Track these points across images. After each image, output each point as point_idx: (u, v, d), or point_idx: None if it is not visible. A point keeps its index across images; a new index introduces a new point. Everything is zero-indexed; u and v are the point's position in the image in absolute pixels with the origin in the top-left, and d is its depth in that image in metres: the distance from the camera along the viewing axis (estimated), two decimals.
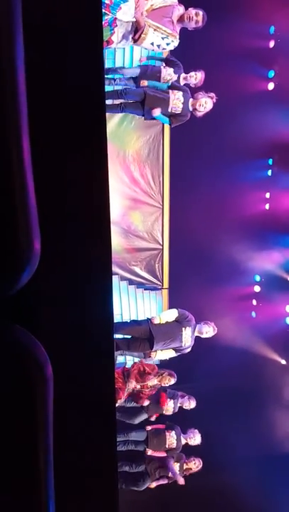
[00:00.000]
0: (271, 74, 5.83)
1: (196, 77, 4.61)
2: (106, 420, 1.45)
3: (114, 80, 4.68)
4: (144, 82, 4.46)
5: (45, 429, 0.99)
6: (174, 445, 4.96)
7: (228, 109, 5.18)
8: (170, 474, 4.89)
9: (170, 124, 4.69)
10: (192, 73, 4.62)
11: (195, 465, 4.99)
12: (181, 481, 4.91)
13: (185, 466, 5.01)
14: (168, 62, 4.69)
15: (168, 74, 4.50)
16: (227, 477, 5.30)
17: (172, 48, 4.13)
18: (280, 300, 6.15)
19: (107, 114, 4.78)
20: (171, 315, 4.68)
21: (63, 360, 1.15)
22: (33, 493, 0.98)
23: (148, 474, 4.96)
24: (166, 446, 4.96)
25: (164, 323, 4.67)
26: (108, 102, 4.63)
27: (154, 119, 4.63)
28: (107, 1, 3.52)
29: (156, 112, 4.43)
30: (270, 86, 5.83)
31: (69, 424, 1.29)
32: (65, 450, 1.14)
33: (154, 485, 4.92)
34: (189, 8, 3.95)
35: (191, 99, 4.49)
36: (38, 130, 0.96)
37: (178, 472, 4.95)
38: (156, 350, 4.69)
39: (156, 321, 4.60)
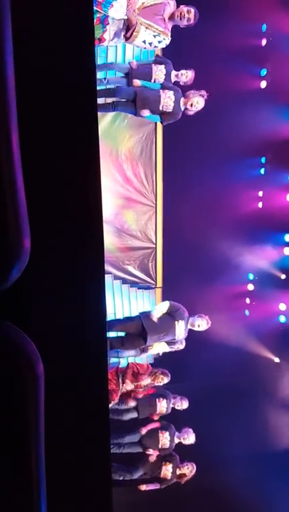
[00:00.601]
0: (263, 72, 5.85)
1: (187, 76, 4.63)
2: (99, 418, 1.44)
3: (106, 79, 4.68)
4: (137, 82, 4.46)
5: (37, 428, 0.98)
6: (167, 445, 4.95)
7: (221, 108, 5.19)
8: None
9: (161, 122, 4.71)
10: (183, 71, 4.64)
11: (188, 470, 4.96)
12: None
13: (178, 472, 4.97)
14: (157, 61, 4.71)
15: (159, 70, 4.52)
16: (221, 477, 5.30)
17: (164, 46, 4.14)
18: (273, 298, 6.18)
19: (100, 112, 4.78)
20: (164, 307, 4.68)
21: (55, 358, 1.14)
22: (25, 492, 0.98)
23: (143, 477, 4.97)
24: (159, 447, 4.96)
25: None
26: (100, 100, 4.62)
27: (141, 116, 4.64)
28: None
29: (145, 113, 4.47)
30: (263, 84, 5.86)
31: (61, 423, 1.28)
32: (56, 449, 1.13)
33: (144, 487, 4.90)
34: (181, 6, 3.95)
35: (182, 98, 4.51)
36: (29, 128, 0.96)
37: (170, 476, 4.93)
38: (151, 344, 4.70)
39: (155, 317, 4.59)
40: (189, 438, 5.03)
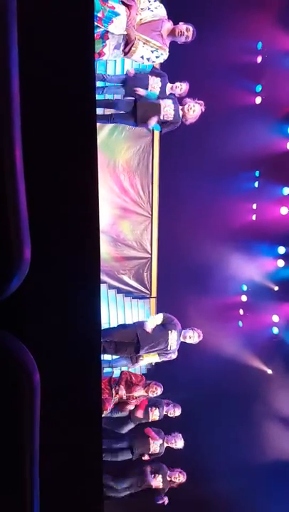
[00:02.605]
0: (258, 88, 5.96)
1: (181, 88, 4.73)
2: (92, 427, 1.46)
3: (104, 89, 4.76)
4: (141, 91, 4.52)
5: (32, 436, 1.00)
6: (157, 451, 5.00)
7: (217, 122, 5.27)
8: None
9: (160, 131, 4.75)
10: (178, 83, 4.75)
11: (178, 480, 5.00)
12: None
13: (169, 479, 5.00)
14: (154, 72, 4.81)
15: (155, 82, 4.61)
16: (212, 486, 5.29)
17: (162, 61, 4.22)
18: (266, 310, 6.21)
19: (98, 124, 4.83)
20: (158, 319, 4.73)
21: (50, 368, 1.16)
22: (19, 500, 0.99)
23: (133, 487, 4.95)
24: (149, 452, 4.98)
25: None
26: (99, 111, 4.68)
27: (146, 125, 4.68)
28: (99, 15, 3.58)
29: (153, 121, 4.49)
30: (258, 100, 5.96)
31: (53, 431, 1.29)
32: (50, 457, 1.14)
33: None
34: (180, 23, 4.03)
35: (180, 106, 4.60)
36: (29, 140, 0.98)
37: (161, 484, 4.94)
38: (143, 354, 4.72)
39: (149, 328, 4.62)
40: (178, 443, 5.06)
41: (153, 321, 4.73)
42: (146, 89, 4.63)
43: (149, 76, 4.73)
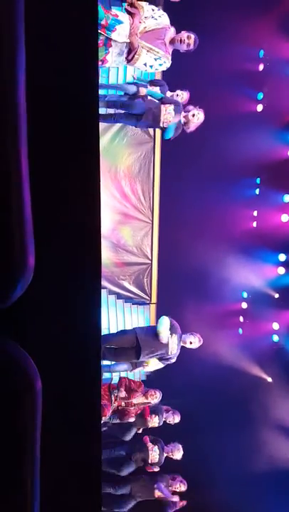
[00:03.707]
0: (260, 96, 6.00)
1: (182, 97, 4.72)
2: (91, 434, 1.45)
3: (106, 97, 4.75)
4: (143, 90, 4.47)
5: (33, 444, 0.99)
6: (156, 460, 4.95)
7: (218, 129, 5.30)
8: (159, 495, 4.85)
9: (170, 138, 4.64)
10: (178, 92, 4.73)
11: (179, 489, 4.97)
12: (175, 498, 4.91)
13: (171, 489, 4.96)
14: (153, 82, 4.81)
15: (155, 91, 4.60)
16: (212, 494, 5.25)
17: (164, 69, 4.23)
18: (266, 317, 6.20)
19: (100, 129, 4.82)
20: (166, 325, 4.61)
21: (50, 374, 1.15)
22: (19, 507, 0.98)
23: (133, 497, 4.91)
24: (149, 462, 4.94)
25: (151, 331, 4.69)
26: (102, 111, 4.61)
27: (147, 128, 4.59)
28: (102, 22, 3.61)
29: (175, 120, 4.36)
30: (259, 108, 5.99)
31: (55, 438, 1.28)
32: (50, 465, 1.13)
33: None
34: (182, 31, 4.06)
35: (182, 112, 4.54)
36: (32, 146, 0.98)
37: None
38: (147, 361, 4.69)
39: (165, 340, 4.50)
40: (177, 453, 5.02)
41: (165, 331, 4.63)
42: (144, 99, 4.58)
43: (148, 86, 4.71)
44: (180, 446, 5.06)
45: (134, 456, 4.94)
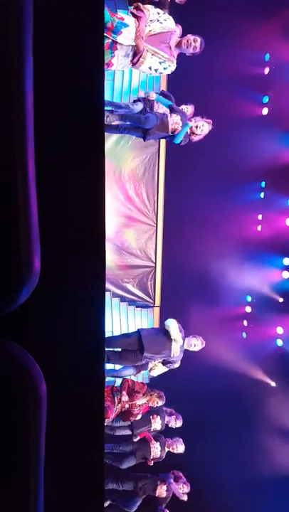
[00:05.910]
0: (265, 99, 5.99)
1: (188, 110, 4.71)
2: (94, 435, 1.45)
3: (112, 112, 4.74)
4: (153, 95, 4.50)
5: (37, 446, 0.99)
6: (158, 455, 4.96)
7: (223, 133, 5.29)
8: (161, 492, 4.87)
9: (180, 143, 4.67)
10: (183, 106, 4.73)
11: (182, 490, 4.97)
12: (185, 497, 4.92)
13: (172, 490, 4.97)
14: (162, 94, 4.81)
15: (160, 108, 4.61)
16: (214, 498, 5.23)
17: (169, 72, 4.23)
18: (270, 321, 6.17)
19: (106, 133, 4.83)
20: (174, 325, 4.62)
21: (55, 377, 1.15)
22: (24, 509, 0.98)
23: (137, 493, 4.91)
24: (151, 458, 4.95)
25: (155, 332, 4.70)
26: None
27: (155, 139, 4.60)
28: (108, 25, 3.62)
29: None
30: (265, 111, 5.99)
31: (58, 439, 1.28)
32: (54, 465, 1.13)
33: None
34: (188, 35, 4.06)
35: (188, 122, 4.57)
36: (38, 151, 0.98)
37: (165, 494, 4.91)
38: (153, 363, 4.69)
39: (179, 343, 4.55)
40: (178, 448, 5.03)
41: (177, 333, 4.63)
42: (152, 110, 4.60)
43: (155, 103, 4.70)
44: (181, 439, 5.07)
45: (136, 451, 4.95)
